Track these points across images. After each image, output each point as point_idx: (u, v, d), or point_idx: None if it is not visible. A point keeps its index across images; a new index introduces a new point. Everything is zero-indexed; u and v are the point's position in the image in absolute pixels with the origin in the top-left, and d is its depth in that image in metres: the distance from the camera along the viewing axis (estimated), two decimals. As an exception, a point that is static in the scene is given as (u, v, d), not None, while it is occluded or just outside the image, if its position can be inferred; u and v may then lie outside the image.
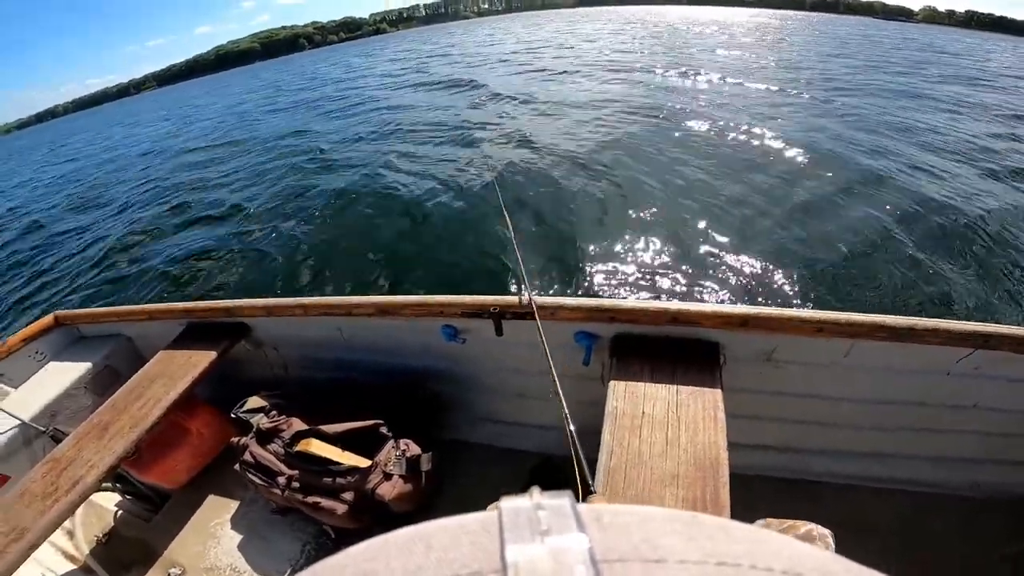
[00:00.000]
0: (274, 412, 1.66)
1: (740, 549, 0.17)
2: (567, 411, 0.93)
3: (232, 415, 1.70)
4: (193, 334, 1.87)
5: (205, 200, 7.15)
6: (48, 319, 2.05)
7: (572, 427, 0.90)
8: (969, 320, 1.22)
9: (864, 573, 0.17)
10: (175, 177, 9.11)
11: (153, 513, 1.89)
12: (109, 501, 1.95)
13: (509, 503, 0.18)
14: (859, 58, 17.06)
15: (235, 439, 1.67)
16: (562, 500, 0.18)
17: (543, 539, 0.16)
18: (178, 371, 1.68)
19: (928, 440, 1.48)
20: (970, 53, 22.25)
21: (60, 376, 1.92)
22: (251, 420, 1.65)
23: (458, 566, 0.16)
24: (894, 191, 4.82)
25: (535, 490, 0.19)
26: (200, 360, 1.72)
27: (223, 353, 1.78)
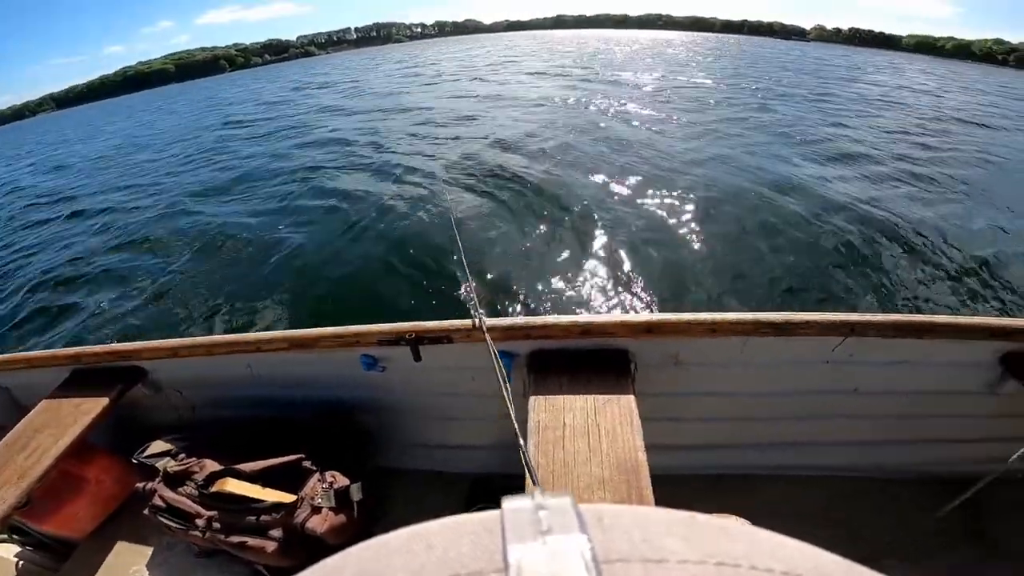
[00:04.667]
0: (182, 455, 1.55)
1: (740, 549, 0.17)
2: (516, 425, 0.90)
3: (134, 460, 1.57)
4: (80, 380, 1.71)
5: (91, 224, 6.78)
6: None
7: (516, 440, 0.88)
8: (841, 311, 1.31)
9: (862, 572, 0.17)
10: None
11: (60, 563, 1.74)
12: (9, 552, 1.79)
13: (511, 503, 0.18)
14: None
15: (141, 484, 1.54)
16: (563, 500, 0.18)
17: (544, 539, 0.16)
18: (66, 419, 1.54)
19: (827, 426, 1.57)
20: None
21: None
22: (156, 464, 1.53)
23: (459, 566, 0.16)
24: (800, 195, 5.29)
25: (536, 490, 0.19)
26: (91, 407, 1.58)
27: (117, 399, 1.64)
